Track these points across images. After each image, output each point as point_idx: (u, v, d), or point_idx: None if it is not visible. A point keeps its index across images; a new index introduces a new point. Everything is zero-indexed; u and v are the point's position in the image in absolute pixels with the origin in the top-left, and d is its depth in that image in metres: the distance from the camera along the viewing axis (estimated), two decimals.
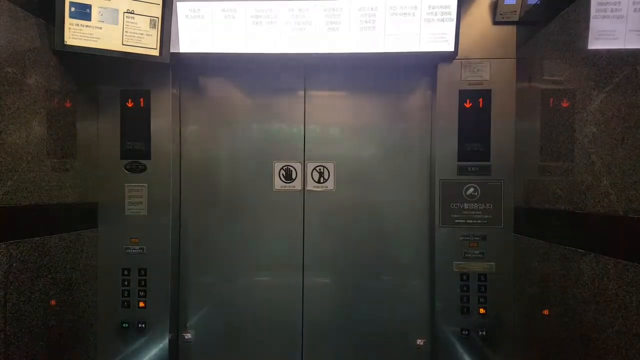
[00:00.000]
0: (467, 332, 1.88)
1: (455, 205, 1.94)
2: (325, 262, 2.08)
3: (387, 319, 2.04)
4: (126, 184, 1.98)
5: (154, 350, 1.93)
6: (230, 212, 2.09)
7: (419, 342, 2.02)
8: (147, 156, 1.99)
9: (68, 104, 1.83)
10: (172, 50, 1.85)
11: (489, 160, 1.93)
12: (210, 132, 2.12)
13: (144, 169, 1.99)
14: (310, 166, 2.09)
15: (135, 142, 1.99)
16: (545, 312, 1.64)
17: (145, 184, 1.98)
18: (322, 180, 2.09)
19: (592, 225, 1.32)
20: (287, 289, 2.07)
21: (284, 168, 2.09)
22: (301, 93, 2.10)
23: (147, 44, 1.81)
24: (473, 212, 1.93)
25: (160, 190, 1.98)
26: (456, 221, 1.93)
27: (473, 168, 1.94)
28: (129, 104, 2.00)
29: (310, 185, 2.09)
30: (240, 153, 2.10)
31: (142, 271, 1.95)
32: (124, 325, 1.93)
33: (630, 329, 1.11)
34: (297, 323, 2.06)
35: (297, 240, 2.08)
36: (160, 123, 1.99)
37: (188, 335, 2.06)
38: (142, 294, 1.94)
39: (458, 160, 1.94)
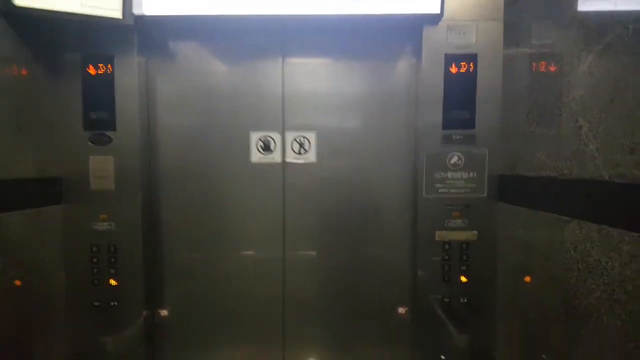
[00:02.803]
0: (448, 300, 1.87)
1: (439, 175, 1.89)
2: (306, 235, 2.02)
3: (370, 290, 2.02)
4: (91, 157, 1.86)
5: (129, 329, 1.86)
6: (205, 185, 2.00)
7: (401, 310, 2.01)
8: (112, 127, 1.86)
9: (24, 72, 1.69)
10: (136, 13, 1.71)
11: (473, 128, 1.87)
12: (182, 100, 1.99)
13: (110, 140, 1.87)
14: (289, 136, 2.00)
15: (99, 112, 1.87)
16: (527, 279, 1.63)
17: (112, 157, 1.87)
18: (302, 151, 2.00)
19: (577, 191, 1.28)
20: (268, 263, 2.02)
21: (262, 138, 1.99)
22: (279, 58, 1.99)
23: (108, 5, 1.66)
24: (456, 181, 1.89)
25: (128, 163, 1.87)
26: (440, 190, 1.89)
27: (457, 136, 1.88)
28: (91, 72, 1.86)
29: (290, 157, 2.00)
30: (215, 123, 1.99)
31: (112, 248, 1.86)
32: (95, 304, 1.86)
33: (611, 295, 1.09)
34: (278, 298, 2.02)
35: (277, 214, 2.01)
36: (126, 91, 1.86)
37: (164, 313, 2.00)
38: (112, 271, 1.86)
39: (443, 129, 1.87)
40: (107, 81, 1.86)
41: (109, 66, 1.86)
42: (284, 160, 2.00)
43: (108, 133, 1.87)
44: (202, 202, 2.01)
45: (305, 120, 1.99)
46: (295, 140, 1.99)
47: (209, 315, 2.01)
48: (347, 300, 2.03)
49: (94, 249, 1.86)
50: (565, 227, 1.32)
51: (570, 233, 1.28)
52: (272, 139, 1.99)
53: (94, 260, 1.86)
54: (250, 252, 2.02)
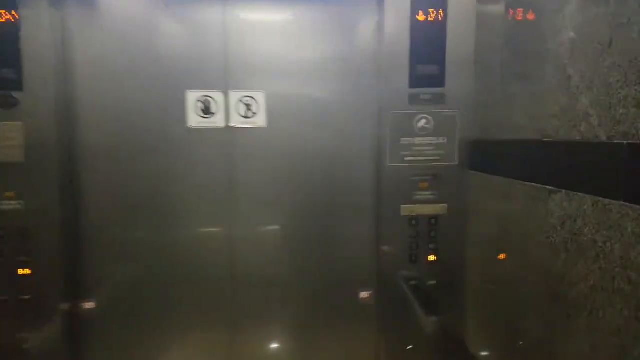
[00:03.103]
0: (415, 282, 1.67)
1: (405, 140, 1.66)
2: (256, 209, 1.76)
3: (328, 270, 1.80)
4: None
5: (46, 325, 1.59)
6: (135, 154, 1.70)
7: (364, 294, 1.80)
8: (19, 87, 1.55)
9: None
10: None
11: (443, 86, 1.64)
12: (105, 54, 1.66)
13: (16, 102, 1.55)
14: (234, 96, 1.71)
15: (3, 69, 1.54)
16: (502, 256, 1.44)
17: (20, 122, 1.56)
18: (250, 114, 1.72)
19: (565, 156, 1.07)
20: (213, 241, 1.76)
21: (201, 99, 1.70)
22: (220, 3, 1.67)
23: None
24: (425, 148, 1.67)
25: (40, 131, 1.57)
26: (406, 159, 1.66)
27: (426, 96, 1.65)
28: None
29: (236, 121, 1.72)
30: (145, 81, 1.67)
31: (23, 232, 1.56)
32: (2, 298, 1.57)
33: (609, 284, 0.89)
34: (226, 279, 1.77)
35: (222, 185, 1.74)
36: (34, 44, 1.55)
37: (90, 304, 1.73)
38: (23, 259, 1.57)
39: (410, 87, 1.64)
40: (11, 32, 1.54)
41: (13, 13, 1.53)
42: (227, 125, 1.72)
43: (14, 94, 1.55)
44: (132, 174, 1.71)
45: (253, 77, 1.70)
46: (241, 101, 1.71)
47: (145, 304, 1.76)
48: (302, 280, 1.80)
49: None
50: (550, 199, 1.11)
51: (557, 206, 1.07)
52: (214, 99, 1.70)
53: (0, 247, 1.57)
54: (191, 230, 1.76)
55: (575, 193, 1.01)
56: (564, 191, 1.05)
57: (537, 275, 1.16)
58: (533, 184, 1.19)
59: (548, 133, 1.14)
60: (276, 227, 1.80)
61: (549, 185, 1.11)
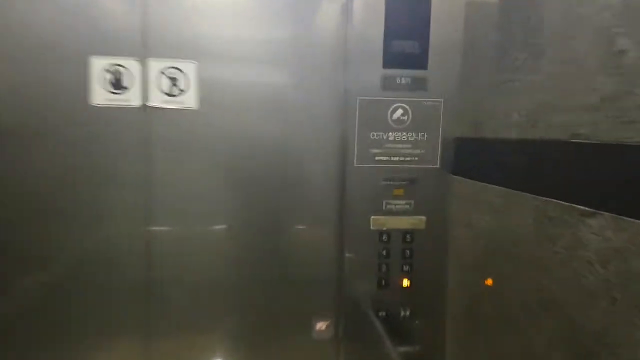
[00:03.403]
0: (385, 313, 1.35)
1: (377, 135, 1.33)
2: (179, 211, 1.35)
3: (272, 295, 1.42)
4: None
5: None
6: (25, 138, 1.25)
7: (320, 325, 1.45)
8: None
9: None
10: None
11: (425, 68, 1.32)
12: None
13: None
14: (155, 66, 1.28)
15: None
16: (489, 282, 1.14)
17: None
18: (175, 91, 1.30)
19: (610, 164, 0.76)
20: (124, 248, 1.33)
21: (110, 68, 1.26)
22: None
23: None
24: (401, 146, 1.34)
25: None
26: (377, 158, 1.33)
27: (404, 79, 1.32)
28: None
29: (157, 99, 1.30)
30: (33, 42, 1.22)
31: None
32: None
33: None
34: (138, 293, 1.35)
35: (138, 185, 1.32)
36: None
37: None
38: None
39: (384, 67, 1.31)
40: None
41: None
42: (145, 104, 1.30)
43: None
44: (22, 162, 1.25)
45: (180, 41, 1.28)
46: (164, 72, 1.29)
47: (41, 322, 1.31)
48: (236, 299, 1.41)
49: None
50: (581, 224, 0.79)
51: (595, 235, 0.76)
52: (127, 69, 1.27)
53: None
54: (97, 231, 1.32)
55: (626, 219, 0.70)
56: (606, 214, 0.74)
57: (561, 325, 0.84)
58: (552, 199, 0.88)
59: (578, 132, 0.83)
60: (204, 229, 1.39)
61: (581, 205, 0.80)
